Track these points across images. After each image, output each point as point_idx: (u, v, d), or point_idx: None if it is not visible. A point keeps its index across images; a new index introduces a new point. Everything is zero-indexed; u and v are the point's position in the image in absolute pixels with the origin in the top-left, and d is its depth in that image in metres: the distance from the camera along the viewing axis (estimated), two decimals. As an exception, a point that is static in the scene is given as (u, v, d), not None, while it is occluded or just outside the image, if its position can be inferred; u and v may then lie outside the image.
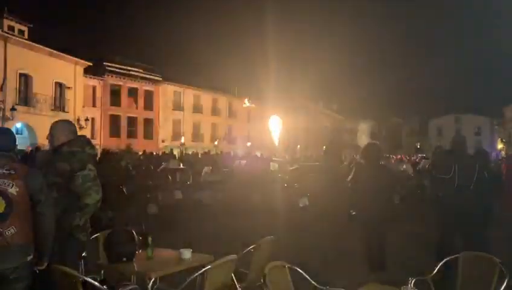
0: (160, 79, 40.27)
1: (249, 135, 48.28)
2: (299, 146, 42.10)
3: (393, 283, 3.04)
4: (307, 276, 3.23)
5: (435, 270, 3.37)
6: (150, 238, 3.96)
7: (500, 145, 50.40)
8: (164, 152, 24.37)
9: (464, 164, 5.00)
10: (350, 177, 11.59)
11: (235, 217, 9.26)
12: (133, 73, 38.24)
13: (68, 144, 3.48)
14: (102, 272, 3.88)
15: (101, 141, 33.87)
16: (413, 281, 2.99)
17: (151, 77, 39.68)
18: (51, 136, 3.57)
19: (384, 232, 5.87)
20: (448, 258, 3.46)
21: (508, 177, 4.88)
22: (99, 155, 14.54)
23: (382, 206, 5.73)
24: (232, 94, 47.73)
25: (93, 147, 3.67)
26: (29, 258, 2.83)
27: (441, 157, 6.56)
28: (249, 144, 43.48)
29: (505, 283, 3.01)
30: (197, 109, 43.86)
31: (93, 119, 34.04)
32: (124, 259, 3.74)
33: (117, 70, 37.06)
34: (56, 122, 3.71)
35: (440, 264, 3.42)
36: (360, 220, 6.10)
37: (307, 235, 8.22)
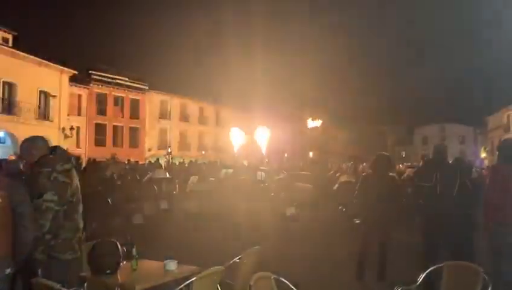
0: (147, 88, 40.11)
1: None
2: (286, 154, 42.22)
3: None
4: (292, 287, 3.22)
5: (420, 280, 3.40)
6: (134, 250, 3.92)
7: (483, 154, 51.19)
8: (150, 161, 24.20)
9: (445, 172, 5.07)
10: (336, 186, 11.61)
11: (222, 227, 9.21)
12: (119, 82, 38.01)
13: (37, 163, 3.32)
14: (85, 284, 3.81)
15: (86, 150, 33.50)
16: (398, 291, 3.02)
17: (137, 85, 39.49)
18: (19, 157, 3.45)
19: (386, 242, 5.91)
20: (432, 268, 3.50)
21: (490, 188, 4.94)
22: (84, 164, 14.40)
23: (387, 216, 5.78)
24: (219, 103, 47.73)
25: (68, 161, 3.49)
26: (7, 271, 2.77)
27: (423, 165, 6.65)
28: (236, 153, 43.45)
29: (487, 292, 3.06)
30: (183, 117, 43.73)
31: (78, 128, 33.68)
32: (108, 271, 3.69)
33: (103, 78, 36.82)
34: (22, 142, 3.51)
35: (424, 273, 3.45)
36: (363, 228, 6.11)
37: (293, 244, 8.22)
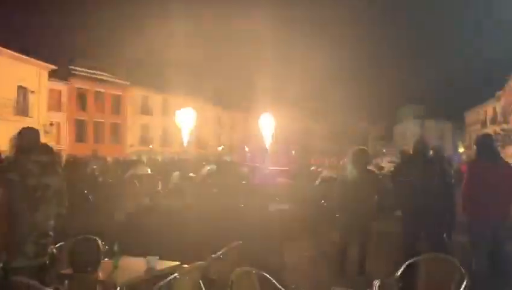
0: (128, 83, 39.65)
1: (220, 140, 48.20)
2: (268, 150, 42.27)
3: (358, 287, 3.11)
4: (274, 281, 3.25)
5: (399, 273, 3.47)
6: (116, 247, 3.90)
7: (461, 149, 52.25)
8: (132, 158, 23.96)
9: (424, 167, 5.17)
10: (318, 181, 11.72)
11: (204, 223, 9.17)
12: (100, 77, 37.47)
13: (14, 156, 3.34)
14: (66, 282, 3.78)
15: (66, 146, 32.97)
16: (377, 284, 3.08)
17: (118, 81, 38.98)
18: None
19: (366, 236, 5.97)
20: (410, 261, 3.57)
21: (468, 182, 5.06)
22: (64, 161, 14.17)
23: (366, 210, 5.84)
24: (202, 98, 47.50)
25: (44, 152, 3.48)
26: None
27: (403, 160, 6.76)
28: (219, 148, 43.33)
29: (464, 284, 3.14)
30: (166, 113, 43.43)
31: (58, 124, 33.12)
32: (89, 268, 3.66)
33: (83, 74, 36.23)
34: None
35: (403, 267, 3.52)
36: (342, 222, 6.17)
37: (276, 240, 8.26)
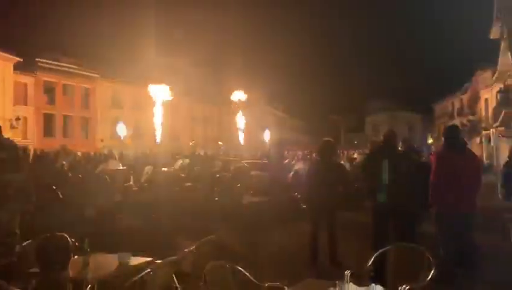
0: (98, 76, 38.74)
1: (193, 134, 47.84)
2: (242, 143, 42.28)
3: (331, 277, 3.15)
4: (247, 274, 3.26)
5: (369, 262, 3.54)
6: (86, 243, 3.82)
7: (430, 140, 53.59)
8: (103, 152, 23.50)
9: (394, 158, 5.27)
10: (292, 173, 11.81)
11: (177, 217, 9.13)
12: (68, 70, 36.46)
13: None
14: (33, 282, 3.68)
15: (34, 141, 32.02)
16: (349, 275, 3.13)
17: (88, 74, 38.03)
18: None
19: (335, 227, 6.05)
20: (380, 251, 3.65)
21: (435, 173, 5.19)
22: (31, 157, 13.78)
23: (332, 201, 5.91)
24: (174, 91, 46.96)
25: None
26: None
27: (373, 152, 6.88)
28: (190, 143, 43.04)
29: (431, 272, 3.23)
30: (137, 106, 42.70)
31: (25, 118, 32.11)
32: (58, 266, 3.57)
33: (51, 66, 35.15)
34: None
35: (373, 257, 3.59)
36: (309, 213, 6.25)
37: (249, 233, 8.29)
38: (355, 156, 19.45)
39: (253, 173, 13.67)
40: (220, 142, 32.83)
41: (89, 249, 3.78)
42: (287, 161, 16.76)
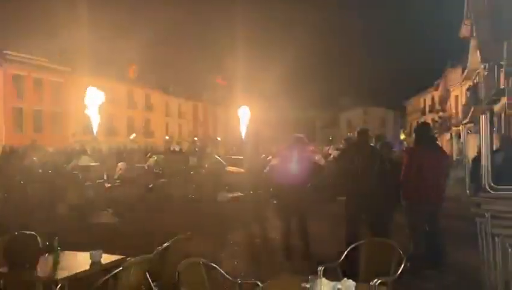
0: (70, 70, 37.81)
1: (168, 129, 47.37)
2: (219, 138, 42.17)
3: (304, 271, 3.18)
4: (221, 270, 3.26)
5: (342, 257, 3.59)
6: (56, 242, 3.73)
7: (402, 136, 54.71)
8: (75, 148, 23.01)
9: (366, 154, 5.36)
10: (267, 169, 11.83)
11: (151, 214, 9.05)
12: (38, 63, 35.42)
13: None
14: (1, 281, 3.58)
15: (2, 137, 31.04)
16: (322, 269, 3.16)
17: (60, 67, 37.06)
18: None
19: (305, 221, 6.09)
20: (352, 246, 3.71)
21: (407, 168, 5.31)
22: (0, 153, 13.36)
23: (301, 196, 5.95)
24: (149, 86, 46.34)
25: None
26: None
27: (347, 148, 6.97)
28: (167, 137, 42.62)
29: (402, 266, 3.31)
30: (111, 101, 41.92)
31: (-8, 113, 31.10)
32: (27, 265, 3.49)
33: (20, 59, 34.07)
34: None
35: (346, 252, 3.65)
36: (280, 209, 6.28)
37: (224, 229, 8.30)
38: (330, 151, 19.66)
39: (228, 168, 13.66)
40: (195, 138, 32.63)
41: (59, 248, 3.70)
42: (262, 156, 16.80)
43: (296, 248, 6.14)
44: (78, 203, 9.36)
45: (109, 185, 11.59)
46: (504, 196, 3.89)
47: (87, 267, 3.62)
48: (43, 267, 3.51)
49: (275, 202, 7.30)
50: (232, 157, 16.89)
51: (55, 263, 3.61)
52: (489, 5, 6.10)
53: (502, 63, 12.70)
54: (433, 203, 5.29)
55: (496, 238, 3.57)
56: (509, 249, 3.38)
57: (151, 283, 3.61)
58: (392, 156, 7.30)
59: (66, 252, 3.89)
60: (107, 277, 3.11)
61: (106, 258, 3.76)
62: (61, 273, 3.42)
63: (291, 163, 5.98)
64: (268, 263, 5.99)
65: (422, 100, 54.55)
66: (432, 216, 5.38)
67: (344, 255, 3.64)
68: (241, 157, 15.90)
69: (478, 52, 14.56)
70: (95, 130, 18.49)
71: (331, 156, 15.09)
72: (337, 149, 20.50)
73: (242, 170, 13.41)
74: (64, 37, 37.49)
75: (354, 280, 2.72)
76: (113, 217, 9.18)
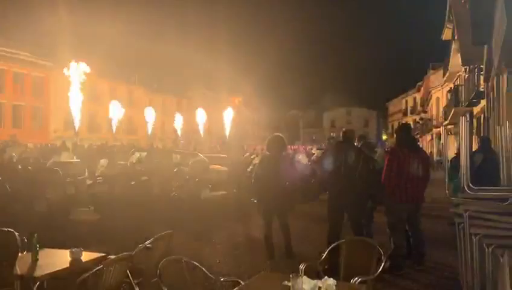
0: (52, 65, 37.14)
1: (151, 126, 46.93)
2: (202, 136, 41.96)
3: (286, 270, 3.20)
4: (203, 269, 3.25)
5: (323, 256, 3.63)
6: (35, 239, 3.67)
7: (384, 136, 55.40)
8: (56, 144, 22.66)
9: (350, 155, 5.41)
10: (250, 168, 11.83)
11: (133, 212, 8.95)
12: (19, 57, 34.70)
13: None
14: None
15: (-20, 131, 30.36)
16: (304, 267, 3.19)
17: (41, 62, 36.37)
18: None
19: (286, 219, 6.11)
20: (334, 244, 3.74)
21: (388, 169, 5.38)
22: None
23: (282, 195, 5.96)
24: (132, 82, 45.84)
25: None
26: None
27: (331, 148, 7.02)
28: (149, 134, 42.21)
29: (382, 264, 3.36)
30: (93, 97, 41.32)
31: (-30, 107, 30.37)
32: (5, 263, 3.43)
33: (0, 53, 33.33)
34: None
35: (327, 250, 3.68)
36: (260, 208, 6.27)
37: (207, 227, 8.28)
38: (314, 151, 19.79)
39: (212, 167, 13.60)
40: (179, 135, 32.40)
41: (38, 245, 3.64)
42: (246, 155, 16.82)
43: (278, 247, 6.16)
44: (58, 200, 9.22)
45: (91, 182, 11.44)
46: (482, 196, 3.97)
47: (67, 265, 3.57)
48: (21, 265, 3.45)
49: (255, 201, 7.31)
50: (216, 155, 16.84)
51: (34, 261, 3.55)
52: (470, 8, 6.22)
53: (481, 66, 12.95)
54: (413, 203, 5.38)
55: (474, 238, 3.64)
56: (486, 249, 3.45)
57: (132, 281, 3.58)
58: (375, 156, 7.39)
59: (46, 249, 3.83)
60: (86, 275, 3.07)
61: (86, 256, 3.71)
62: (40, 272, 3.37)
63: (270, 162, 5.99)
64: (251, 261, 6.00)
65: (404, 101, 55.29)
66: (412, 216, 5.47)
67: (325, 254, 3.67)
68: (225, 155, 15.88)
69: (459, 55, 14.80)
70: (76, 126, 18.29)
71: (314, 155, 15.21)
72: (319, 149, 20.69)
73: (226, 169, 13.40)
74: (47, 30, 36.82)
75: (335, 279, 2.75)
76: (95, 215, 9.07)
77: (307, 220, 9.18)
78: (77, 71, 17.16)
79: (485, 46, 9.13)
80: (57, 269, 3.51)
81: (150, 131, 33.05)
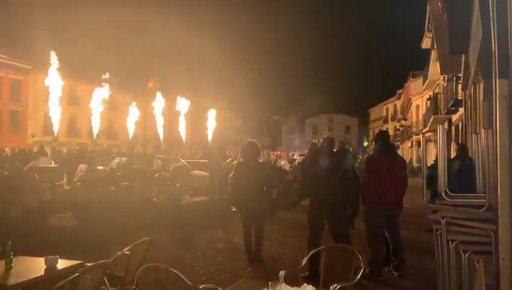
0: (31, 67, 36.47)
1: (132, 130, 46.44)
2: (184, 141, 41.69)
3: (267, 277, 3.19)
4: (182, 276, 3.21)
5: (303, 263, 3.63)
6: (9, 246, 3.57)
7: (366, 143, 56.02)
8: (33, 149, 22.22)
9: (330, 162, 5.44)
10: (231, 174, 11.80)
11: (111, 218, 8.80)
12: (-4, 59, 34.00)
13: None
14: None
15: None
16: (283, 274, 3.18)
17: (19, 64, 35.68)
18: None
19: (261, 226, 6.12)
20: (314, 251, 3.75)
21: (366, 175, 5.43)
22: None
23: (259, 202, 5.96)
24: (113, 86, 45.26)
25: None
26: None
27: (312, 155, 7.05)
28: (131, 139, 41.75)
29: (361, 270, 3.37)
30: (73, 101, 40.69)
31: None
32: (-24, 271, 3.32)
33: (-24, 55, 32.62)
34: None
35: (307, 257, 3.68)
36: (241, 215, 6.28)
37: (187, 234, 8.20)
38: (296, 157, 19.86)
39: (193, 172, 13.53)
40: (160, 140, 32.11)
41: (12, 252, 3.54)
42: (228, 160, 16.78)
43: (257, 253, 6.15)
44: (34, 205, 9.00)
45: (69, 187, 11.22)
46: (459, 203, 4.04)
47: (42, 273, 3.48)
48: (-6, 273, 3.36)
49: (234, 209, 7.31)
50: (197, 161, 16.76)
51: (8, 269, 3.46)
52: (447, 18, 6.36)
53: (459, 75, 13.24)
54: (392, 209, 5.43)
55: (451, 244, 3.69)
56: (463, 255, 3.50)
57: (109, 288, 3.51)
58: (356, 163, 7.46)
59: (20, 257, 3.74)
60: (62, 283, 3.00)
61: (62, 264, 3.63)
62: (14, 280, 3.28)
63: (245, 170, 6.01)
64: (231, 268, 5.97)
65: (385, 109, 56.08)
66: (390, 222, 5.52)
67: (305, 260, 3.68)
68: (206, 161, 15.81)
69: (438, 63, 15.11)
70: (55, 130, 17.98)
71: (296, 161, 15.27)
72: (301, 155, 20.78)
73: (207, 174, 13.34)
74: (24, 32, 36.18)
75: (314, 285, 2.74)
76: (72, 221, 8.88)
77: (287, 226, 9.20)
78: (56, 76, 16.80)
79: (463, 55, 9.33)
80: (32, 277, 3.43)
81: (131, 136, 32.67)
